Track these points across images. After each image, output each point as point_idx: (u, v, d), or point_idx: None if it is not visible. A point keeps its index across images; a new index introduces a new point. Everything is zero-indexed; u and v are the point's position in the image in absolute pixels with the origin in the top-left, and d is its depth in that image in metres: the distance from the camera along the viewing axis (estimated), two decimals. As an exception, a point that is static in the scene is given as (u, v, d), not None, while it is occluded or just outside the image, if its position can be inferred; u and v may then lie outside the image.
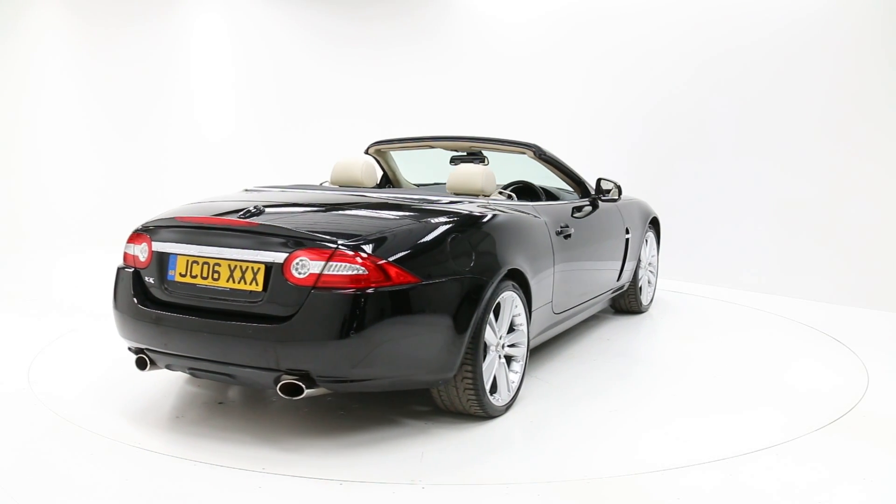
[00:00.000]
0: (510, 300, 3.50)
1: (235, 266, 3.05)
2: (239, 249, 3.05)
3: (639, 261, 5.50)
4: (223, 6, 9.14)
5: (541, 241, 3.89)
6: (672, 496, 2.77)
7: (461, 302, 3.17)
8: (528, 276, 3.65)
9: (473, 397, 3.30)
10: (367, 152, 5.26)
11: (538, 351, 4.50)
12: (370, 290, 2.92)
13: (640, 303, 5.64)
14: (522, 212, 3.90)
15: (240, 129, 9.21)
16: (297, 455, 3.06)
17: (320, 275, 2.91)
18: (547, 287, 3.94)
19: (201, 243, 3.16)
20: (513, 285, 3.51)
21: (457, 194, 3.98)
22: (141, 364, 3.31)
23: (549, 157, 4.64)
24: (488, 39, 8.67)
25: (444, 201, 3.72)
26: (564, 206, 4.47)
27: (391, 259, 2.99)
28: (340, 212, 3.59)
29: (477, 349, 3.24)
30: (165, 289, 3.23)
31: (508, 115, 8.33)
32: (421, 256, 3.11)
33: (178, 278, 3.18)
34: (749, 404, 3.81)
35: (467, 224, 3.43)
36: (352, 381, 3.00)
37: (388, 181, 5.43)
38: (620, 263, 5.09)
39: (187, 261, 3.17)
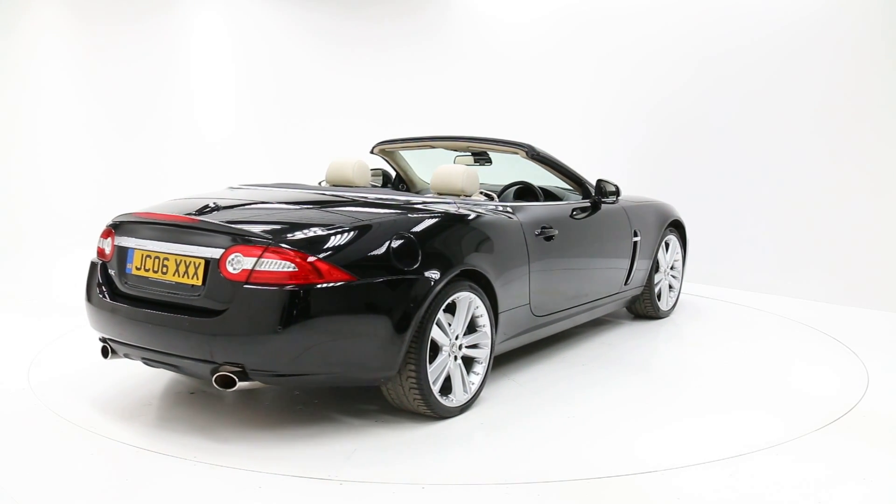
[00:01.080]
0: (466, 301, 3.48)
1: (181, 261, 3.18)
2: (184, 245, 3.19)
3: (655, 265, 5.37)
4: (223, 6, 9.14)
5: (511, 242, 3.84)
6: (671, 496, 2.77)
7: (402, 301, 3.17)
8: (491, 276, 3.62)
9: (419, 397, 3.30)
10: (372, 152, 5.30)
11: (523, 353, 4.46)
12: (299, 287, 2.96)
13: (658, 308, 5.47)
14: (494, 212, 3.87)
15: (240, 129, 9.21)
16: (270, 452, 3.08)
17: (252, 271, 2.99)
18: (520, 289, 3.89)
19: (153, 238, 3.31)
20: (469, 286, 3.49)
21: (440, 194, 4.01)
22: (104, 352, 3.48)
23: (543, 157, 4.58)
24: (488, 40, 8.68)
25: (412, 201, 3.72)
26: (551, 206, 4.39)
27: (324, 257, 3.03)
28: (294, 210, 3.58)
29: (421, 349, 3.24)
30: (124, 282, 3.39)
31: (508, 115, 8.33)
32: (358, 255, 3.14)
33: (134, 271, 3.35)
34: (749, 404, 3.81)
35: (414, 224, 3.41)
36: (285, 375, 3.07)
37: (402, 181, 5.45)
38: (628, 267, 4.97)
39: (142, 255, 3.33)
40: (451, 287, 3.37)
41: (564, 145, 7.79)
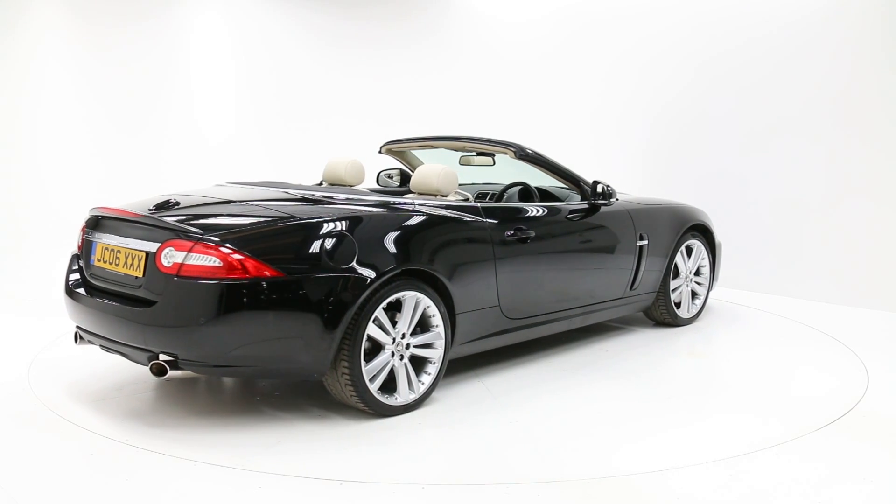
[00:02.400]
0: (412, 300, 3.50)
1: (128, 253, 3.37)
2: (131, 239, 3.38)
3: (674, 270, 5.17)
4: (223, 6, 9.14)
5: (472, 243, 3.81)
6: (671, 496, 2.77)
7: (332, 299, 3.21)
8: (443, 276, 3.61)
9: (354, 394, 3.35)
10: (380, 152, 5.36)
11: (505, 356, 4.38)
12: (223, 282, 3.07)
13: (676, 315, 5.24)
14: (458, 213, 3.84)
15: (240, 129, 9.21)
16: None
17: (182, 264, 3.12)
18: (485, 290, 3.86)
19: (110, 232, 3.52)
20: (417, 285, 3.50)
21: (421, 194, 4.07)
22: (75, 338, 3.66)
23: (532, 157, 4.48)
24: (488, 40, 8.68)
25: (360, 200, 3.73)
26: (531, 207, 4.28)
27: (251, 253, 3.12)
28: (244, 207, 3.60)
29: (354, 346, 3.28)
30: (90, 273, 3.62)
31: (508, 115, 8.33)
32: (289, 252, 3.22)
33: (96, 263, 3.57)
34: (749, 404, 3.81)
35: (354, 223, 3.44)
36: (214, 366, 3.18)
37: None
38: (631, 271, 4.80)
39: (102, 247, 3.55)
40: (393, 286, 3.40)
41: (567, 146, 7.79)
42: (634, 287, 4.88)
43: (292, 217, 3.36)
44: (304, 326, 3.18)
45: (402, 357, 3.50)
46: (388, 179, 5.41)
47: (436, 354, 3.64)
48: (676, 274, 5.25)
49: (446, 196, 4.08)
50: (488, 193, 5.02)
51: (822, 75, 6.38)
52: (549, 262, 4.25)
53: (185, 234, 3.18)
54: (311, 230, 3.31)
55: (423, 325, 3.61)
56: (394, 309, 3.49)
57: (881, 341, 5.12)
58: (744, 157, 6.88)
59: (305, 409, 3.58)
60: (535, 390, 3.92)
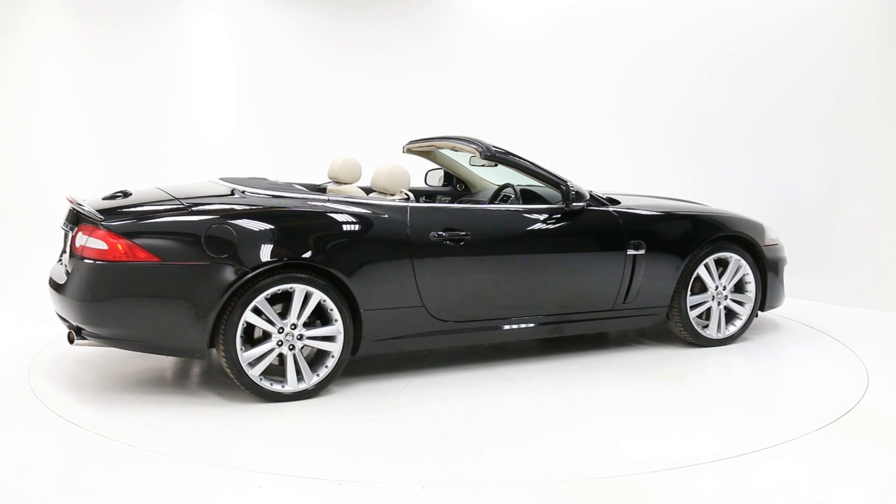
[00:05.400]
0: (302, 292, 3.62)
1: (70, 236, 3.74)
2: (72, 224, 3.76)
3: (686, 284, 4.59)
4: (223, 6, 9.14)
5: (383, 242, 3.81)
6: (672, 496, 2.77)
7: (205, 286, 3.47)
8: (340, 272, 3.67)
9: (233, 376, 3.59)
10: (403, 153, 5.47)
11: (456, 362, 4.30)
12: (104, 263, 3.43)
13: (698, 334, 4.70)
14: (374, 212, 3.85)
15: (240, 129, 9.20)
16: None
17: (84, 247, 3.51)
18: (402, 289, 3.83)
19: (69, 219, 3.89)
20: (308, 279, 3.61)
21: (380, 192, 4.31)
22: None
23: (500, 157, 4.29)
24: (488, 40, 8.68)
25: (301, 199, 3.82)
26: (472, 209, 4.15)
27: (133, 239, 3.45)
28: (163, 200, 3.74)
29: (229, 332, 3.51)
30: (62, 254, 3.95)
31: (508, 115, 8.32)
32: (169, 239, 3.51)
33: (66, 246, 3.87)
34: (749, 404, 3.81)
35: (239, 215, 3.62)
36: (106, 338, 3.54)
37: (458, 179, 5.53)
38: (622, 282, 4.40)
39: (67, 234, 3.89)
40: (277, 278, 3.57)
41: (567, 147, 7.79)
42: (628, 300, 4.47)
43: (184, 208, 3.60)
44: (178, 309, 3.47)
45: (291, 347, 3.63)
46: (433, 179, 5.63)
47: (335, 347, 3.72)
48: (703, 288, 4.73)
49: (393, 195, 4.19)
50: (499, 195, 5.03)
51: (823, 73, 6.37)
52: (493, 266, 4.09)
53: (89, 221, 3.55)
54: (196, 221, 3.54)
55: (325, 319, 3.72)
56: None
57: (881, 341, 5.11)
58: (742, 157, 6.88)
59: (308, 408, 3.58)
60: (446, 393, 3.84)
